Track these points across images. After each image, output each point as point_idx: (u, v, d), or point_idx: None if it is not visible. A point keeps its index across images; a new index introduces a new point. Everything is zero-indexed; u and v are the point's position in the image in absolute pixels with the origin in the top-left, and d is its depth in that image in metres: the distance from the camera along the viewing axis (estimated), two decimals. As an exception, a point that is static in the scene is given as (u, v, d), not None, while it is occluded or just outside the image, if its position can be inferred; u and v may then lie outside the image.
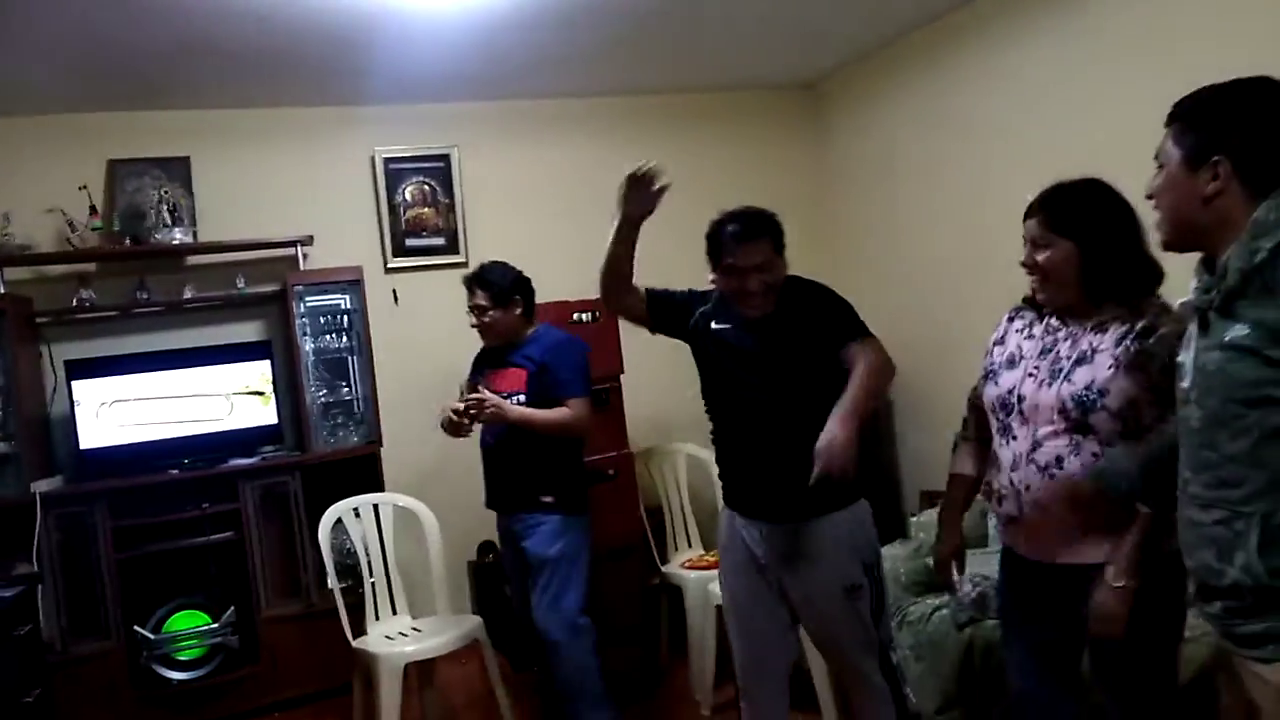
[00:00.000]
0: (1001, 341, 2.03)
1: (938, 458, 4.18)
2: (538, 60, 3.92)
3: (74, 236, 3.84)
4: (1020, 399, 1.90)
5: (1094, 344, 1.82)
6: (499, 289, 3.16)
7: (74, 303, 3.82)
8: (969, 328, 3.98)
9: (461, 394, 3.13)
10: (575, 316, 3.59)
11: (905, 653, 2.99)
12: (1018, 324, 2.03)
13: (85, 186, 3.86)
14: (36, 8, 2.88)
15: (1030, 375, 1.90)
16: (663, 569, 3.78)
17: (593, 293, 3.60)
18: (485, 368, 3.23)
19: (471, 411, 2.98)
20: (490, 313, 3.15)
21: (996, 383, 1.97)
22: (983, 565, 2.89)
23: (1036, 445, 1.85)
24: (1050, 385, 1.85)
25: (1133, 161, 1.73)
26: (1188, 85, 1.51)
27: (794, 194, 4.93)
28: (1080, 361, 1.83)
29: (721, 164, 4.74)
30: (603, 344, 3.61)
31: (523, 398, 3.07)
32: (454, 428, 3.03)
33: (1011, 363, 1.96)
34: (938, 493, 3.98)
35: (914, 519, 3.38)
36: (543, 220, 4.55)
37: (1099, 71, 3.25)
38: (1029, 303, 2.03)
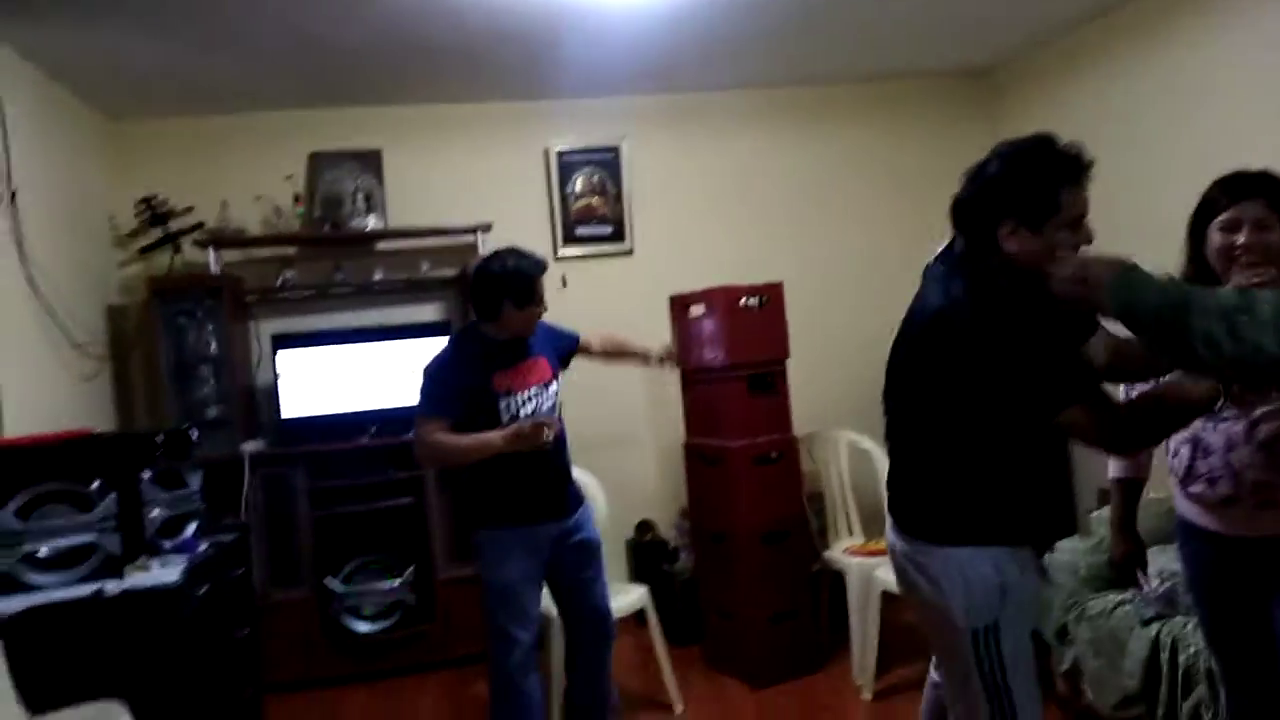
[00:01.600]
0: None
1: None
2: (708, 53, 4.01)
3: (279, 222, 4.19)
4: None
5: None
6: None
7: (278, 283, 4.16)
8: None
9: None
10: (742, 302, 3.65)
11: (1083, 648, 2.90)
12: None
13: (291, 176, 4.21)
14: (250, 10, 3.17)
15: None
16: (824, 554, 3.79)
17: (757, 279, 3.71)
18: (500, 367, 2.84)
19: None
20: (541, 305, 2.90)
21: None
22: (1171, 561, 2.77)
23: (1255, 424, 1.81)
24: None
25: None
26: None
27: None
28: None
29: (889, 154, 4.71)
30: (768, 329, 3.66)
31: (554, 387, 2.95)
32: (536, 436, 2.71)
33: None
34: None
35: (1093, 514, 3.26)
36: (707, 209, 4.65)
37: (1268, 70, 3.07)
38: None
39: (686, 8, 3.45)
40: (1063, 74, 4.28)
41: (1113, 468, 2.19)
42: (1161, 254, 3.67)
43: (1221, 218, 1.86)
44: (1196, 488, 1.96)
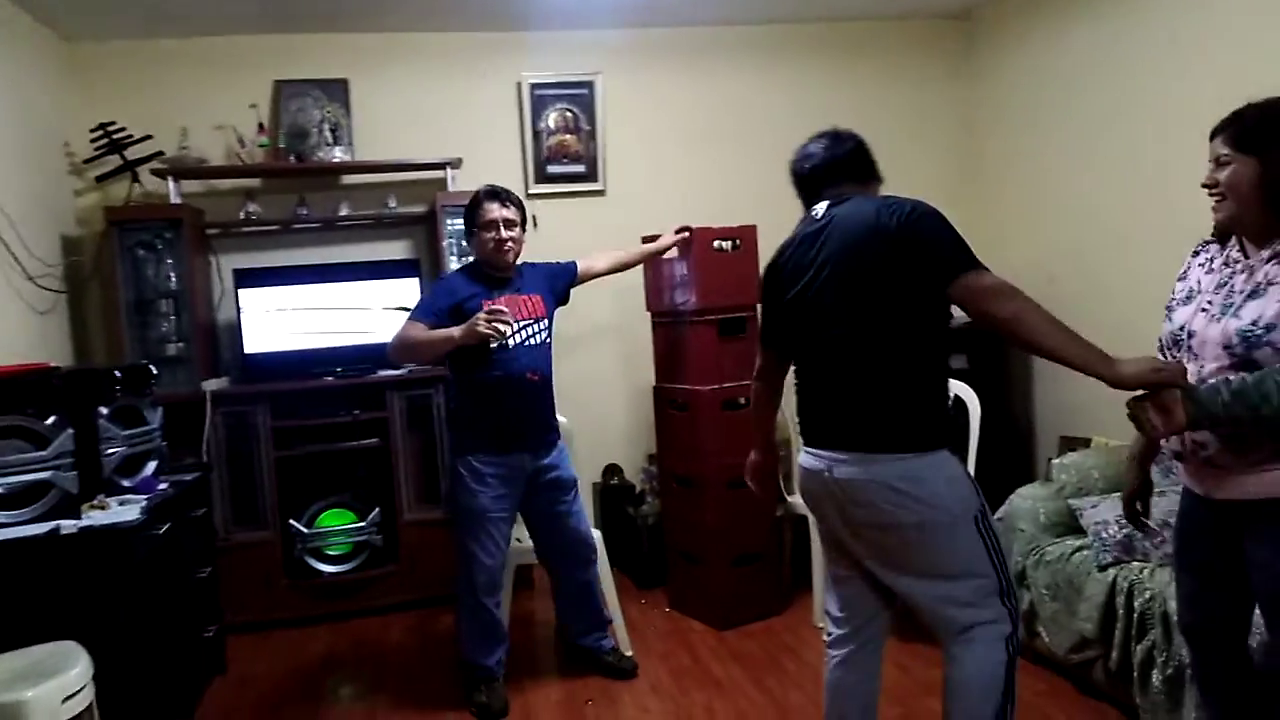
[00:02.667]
0: (1184, 277, 1.98)
1: (1078, 401, 4.10)
2: (686, -14, 3.90)
3: (243, 152, 4.06)
4: (1190, 334, 1.86)
5: (1269, 276, 1.75)
6: (523, 211, 3.10)
7: (241, 215, 4.05)
8: (1123, 269, 3.86)
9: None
10: (715, 244, 3.60)
11: (1041, 592, 2.95)
12: (1200, 258, 1.96)
13: (255, 105, 4.08)
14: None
15: (1203, 310, 1.85)
16: (788, 498, 3.81)
17: (732, 221, 3.66)
18: (492, 291, 3.01)
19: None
20: (518, 229, 3.05)
21: (1170, 318, 1.94)
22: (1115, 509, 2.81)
23: (1202, 381, 1.79)
24: (1219, 320, 1.80)
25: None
26: None
27: (942, 127, 4.81)
28: (1253, 295, 1.76)
29: (868, 94, 4.64)
30: (741, 273, 3.62)
31: (546, 323, 3.09)
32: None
33: (1188, 297, 1.92)
34: (1077, 438, 3.91)
35: (1054, 461, 3.30)
36: (681, 149, 4.57)
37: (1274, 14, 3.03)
38: (1216, 236, 1.95)
39: (664, -61, 3.33)
40: (1043, 18, 4.21)
41: None
42: (1146, 198, 3.70)
43: None
44: (1165, 440, 1.94)
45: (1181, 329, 1.88)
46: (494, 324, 2.80)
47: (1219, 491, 1.84)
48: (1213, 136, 1.86)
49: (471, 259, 3.20)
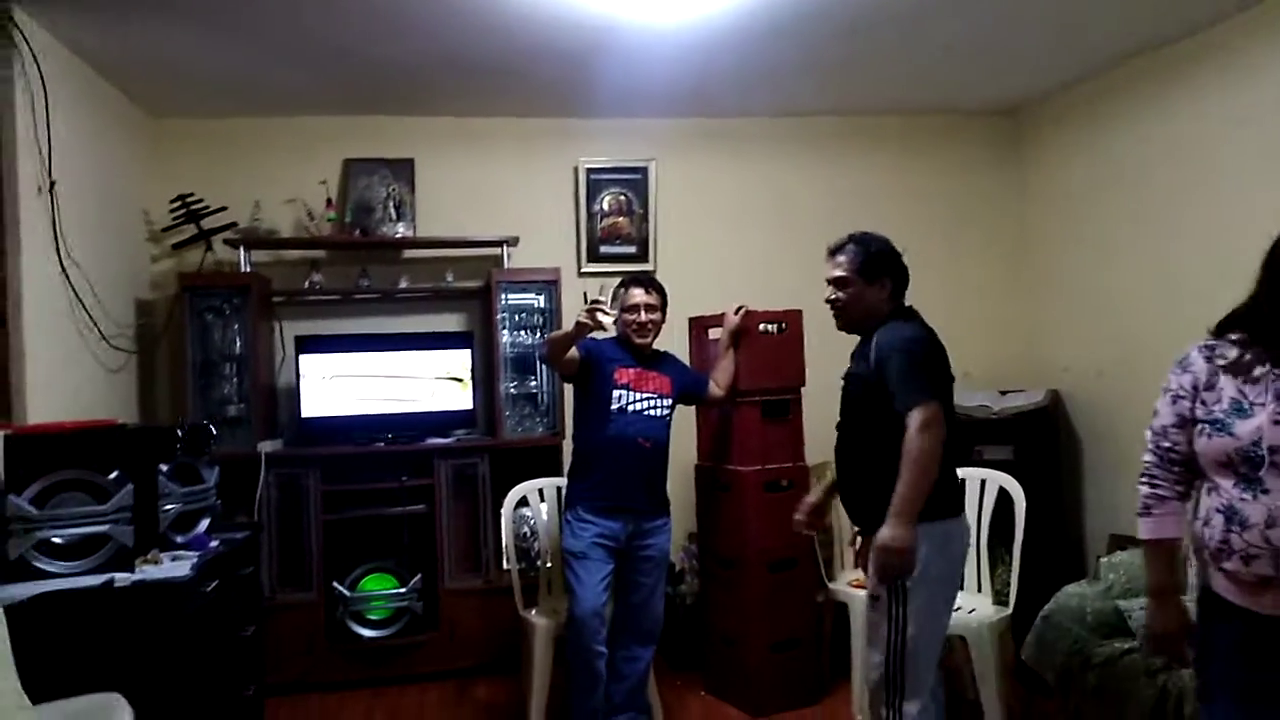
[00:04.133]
0: (1211, 386, 1.87)
1: (1129, 502, 4.00)
2: (740, 77, 4.04)
3: (310, 225, 4.25)
4: (1273, 450, 1.74)
5: None
6: (665, 296, 3.44)
7: (306, 285, 4.22)
8: (1163, 376, 3.79)
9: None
10: (762, 327, 3.65)
11: (1087, 696, 2.87)
12: (1220, 363, 1.86)
13: (325, 181, 4.28)
14: (297, 20, 3.24)
15: (1276, 422, 1.74)
16: (829, 585, 3.77)
17: (775, 304, 3.71)
18: (628, 365, 3.33)
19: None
20: (658, 313, 3.40)
21: (1231, 433, 1.80)
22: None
23: None
24: None
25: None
26: None
27: (990, 220, 4.85)
28: None
29: (915, 187, 4.72)
30: (786, 355, 3.66)
31: (669, 402, 3.38)
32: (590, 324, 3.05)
33: (1240, 409, 1.80)
34: (1127, 536, 3.83)
35: (1102, 560, 3.23)
36: (730, 233, 4.67)
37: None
38: (1226, 333, 1.88)
39: (721, 34, 3.48)
40: (1087, 116, 4.28)
41: (1160, 527, 1.96)
42: (1179, 293, 3.69)
43: None
44: (1230, 564, 1.82)
45: (1258, 444, 1.77)
46: (594, 313, 3.01)
47: None
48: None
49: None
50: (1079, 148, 4.38)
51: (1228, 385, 1.84)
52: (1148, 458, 1.98)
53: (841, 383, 2.61)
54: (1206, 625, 1.93)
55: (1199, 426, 1.87)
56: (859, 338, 2.57)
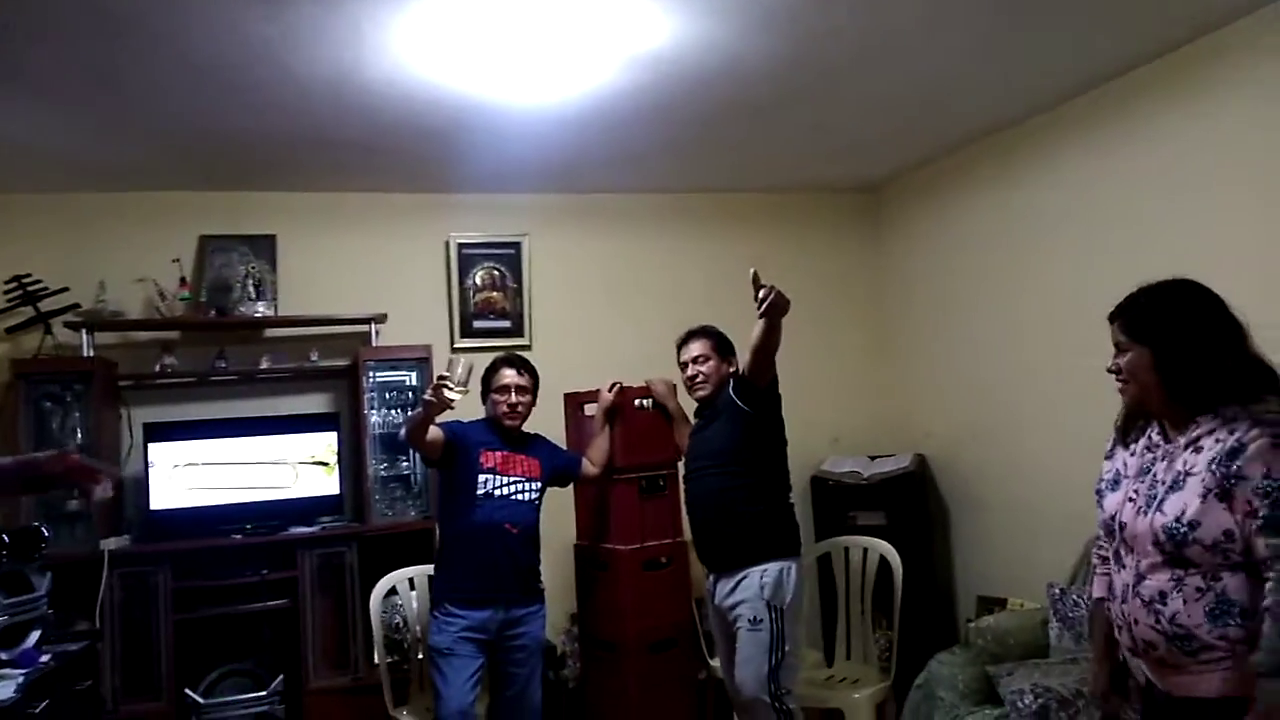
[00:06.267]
0: (1110, 456, 1.94)
1: (994, 563, 4.16)
2: (607, 156, 4.09)
3: (162, 305, 4.02)
4: (1122, 526, 1.81)
5: (1187, 466, 1.71)
6: (536, 379, 3.42)
7: (156, 368, 3.98)
8: (1026, 435, 3.98)
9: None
10: (637, 403, 3.64)
11: (961, 764, 2.91)
12: (1131, 438, 1.91)
13: (178, 259, 4.08)
14: (150, 94, 3.10)
15: (1130, 500, 1.81)
16: (710, 663, 3.73)
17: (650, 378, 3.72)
18: (494, 447, 3.28)
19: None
20: (529, 395, 3.36)
21: (1102, 505, 1.90)
22: (1044, 676, 2.82)
23: (1140, 578, 1.75)
24: (1145, 514, 1.75)
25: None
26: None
27: (855, 291, 5.03)
28: (1174, 487, 1.71)
29: (780, 262, 4.77)
30: (661, 431, 3.65)
31: (538, 485, 3.33)
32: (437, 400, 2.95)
33: (1115, 483, 1.88)
34: (994, 599, 3.95)
35: (971, 625, 3.31)
36: (604, 308, 4.68)
37: (1161, 187, 3.30)
38: (1125, 418, 1.95)
39: (584, 115, 3.51)
40: (945, 191, 4.51)
41: (1098, 586, 2.01)
42: (1027, 360, 3.88)
43: None
44: (1115, 630, 1.86)
45: (1114, 518, 1.84)
46: (439, 390, 2.91)
47: (1178, 690, 1.74)
48: (1111, 321, 1.86)
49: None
50: (934, 221, 4.60)
51: (1119, 456, 1.92)
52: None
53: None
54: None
55: (1096, 493, 1.95)
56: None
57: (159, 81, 3.00)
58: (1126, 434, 1.92)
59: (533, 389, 3.37)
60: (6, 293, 3.85)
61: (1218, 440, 1.68)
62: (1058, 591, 3.17)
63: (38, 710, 2.62)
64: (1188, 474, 1.70)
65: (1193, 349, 1.74)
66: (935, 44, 3.08)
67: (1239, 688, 1.63)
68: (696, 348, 3.25)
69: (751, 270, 2.76)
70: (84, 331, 3.86)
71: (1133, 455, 1.87)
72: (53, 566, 3.14)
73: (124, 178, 3.97)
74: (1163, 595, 1.71)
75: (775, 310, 2.74)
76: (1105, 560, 1.98)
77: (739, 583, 2.98)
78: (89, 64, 2.83)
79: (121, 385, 4.00)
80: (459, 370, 2.97)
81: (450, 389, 2.94)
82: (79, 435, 3.74)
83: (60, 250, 4.01)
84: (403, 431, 3.23)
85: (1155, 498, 1.74)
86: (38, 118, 3.21)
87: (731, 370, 3.20)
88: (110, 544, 3.65)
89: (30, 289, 3.85)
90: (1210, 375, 1.73)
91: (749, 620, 2.92)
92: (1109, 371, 1.87)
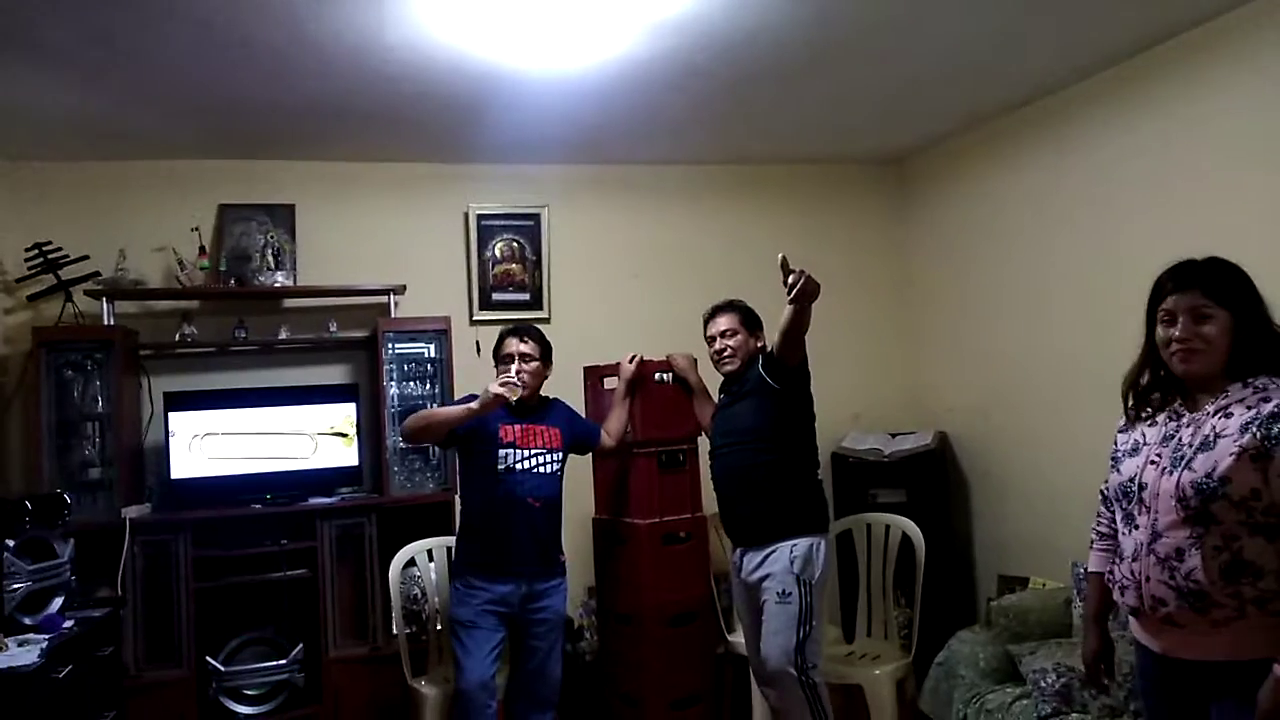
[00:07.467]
0: (1125, 429, 1.97)
1: (1015, 541, 4.12)
2: (631, 126, 4.04)
3: (182, 275, 4.02)
4: (1142, 486, 1.83)
5: (1217, 429, 1.75)
6: (546, 346, 3.35)
7: (176, 337, 3.98)
8: (1048, 413, 3.93)
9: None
10: (657, 376, 3.61)
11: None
12: (1144, 415, 1.94)
13: (197, 228, 4.06)
14: (171, 63, 3.08)
15: (1152, 462, 1.83)
16: (729, 638, 3.73)
17: (671, 351, 3.68)
18: (511, 420, 3.22)
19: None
20: (536, 363, 3.27)
21: (1119, 469, 1.92)
22: (1067, 655, 2.79)
23: (1157, 536, 1.77)
24: (1171, 473, 1.77)
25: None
26: None
27: (878, 265, 4.97)
28: (1203, 448, 1.75)
29: (805, 233, 4.78)
30: (681, 405, 3.62)
31: (560, 455, 3.29)
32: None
33: (1134, 450, 1.90)
34: (1015, 577, 3.91)
35: (993, 604, 3.28)
36: (623, 281, 4.64)
37: (1187, 164, 3.23)
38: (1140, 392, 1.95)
39: (609, 84, 3.46)
40: (969, 165, 4.43)
41: (1093, 561, 2.10)
42: (1050, 335, 3.83)
43: (1161, 308, 1.85)
44: (1117, 595, 1.91)
45: (1132, 481, 1.86)
46: (507, 382, 2.99)
47: (1180, 651, 1.78)
48: (1179, 289, 1.82)
49: None
50: (958, 195, 4.53)
51: (1137, 428, 1.94)
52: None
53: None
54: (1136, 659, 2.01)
55: (1111, 462, 1.99)
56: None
57: (178, 49, 2.97)
58: (1140, 409, 1.94)
59: (541, 356, 3.30)
60: (28, 260, 3.85)
61: (1248, 407, 1.73)
62: (1082, 571, 3.13)
63: (61, 675, 2.64)
64: (1219, 436, 1.74)
65: (1263, 316, 1.80)
66: (961, 14, 3.01)
67: (1246, 650, 1.68)
68: (724, 321, 3.20)
69: (780, 255, 2.72)
70: (104, 300, 3.85)
71: (1151, 426, 1.90)
72: (75, 534, 3.17)
73: (143, 146, 3.96)
74: (1179, 552, 1.74)
75: (805, 296, 2.70)
76: (1103, 536, 2.06)
77: (768, 556, 2.98)
78: (108, 32, 2.80)
79: (142, 354, 4.01)
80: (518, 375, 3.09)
81: (517, 386, 3.02)
82: (99, 404, 3.75)
83: (80, 218, 4.00)
84: (411, 428, 3.17)
85: (1183, 458, 1.78)
86: (57, 86, 3.19)
87: (759, 345, 3.19)
88: (131, 512, 3.67)
89: (51, 256, 3.85)
90: (1270, 342, 1.78)
91: (778, 593, 2.93)
92: (1177, 341, 1.81)
